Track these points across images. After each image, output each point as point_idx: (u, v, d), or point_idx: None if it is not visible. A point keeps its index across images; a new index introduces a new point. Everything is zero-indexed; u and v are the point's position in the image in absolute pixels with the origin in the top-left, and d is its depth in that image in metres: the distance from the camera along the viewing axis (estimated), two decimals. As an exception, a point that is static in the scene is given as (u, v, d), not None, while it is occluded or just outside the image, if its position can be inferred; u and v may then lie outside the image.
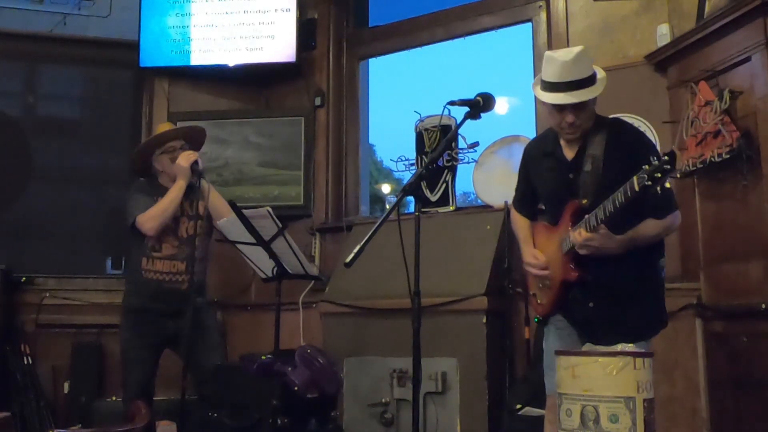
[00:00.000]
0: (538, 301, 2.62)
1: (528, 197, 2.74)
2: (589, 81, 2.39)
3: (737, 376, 3.21)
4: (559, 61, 2.38)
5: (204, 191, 3.38)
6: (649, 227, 2.41)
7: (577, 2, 4.08)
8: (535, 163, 2.67)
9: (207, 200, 3.39)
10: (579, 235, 2.36)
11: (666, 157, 2.07)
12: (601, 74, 2.46)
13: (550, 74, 2.41)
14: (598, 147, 2.44)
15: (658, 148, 3.58)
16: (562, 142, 2.55)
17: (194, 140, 3.58)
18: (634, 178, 2.13)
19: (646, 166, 2.10)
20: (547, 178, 2.60)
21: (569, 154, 2.52)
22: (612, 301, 2.43)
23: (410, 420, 2.39)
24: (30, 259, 4.81)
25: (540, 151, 2.65)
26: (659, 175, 2.07)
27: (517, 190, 2.80)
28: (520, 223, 2.77)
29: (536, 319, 2.70)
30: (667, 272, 3.52)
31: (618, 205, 2.22)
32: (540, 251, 2.61)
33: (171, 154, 3.45)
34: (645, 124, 3.61)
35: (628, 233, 2.38)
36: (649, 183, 2.08)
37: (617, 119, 2.54)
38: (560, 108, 2.42)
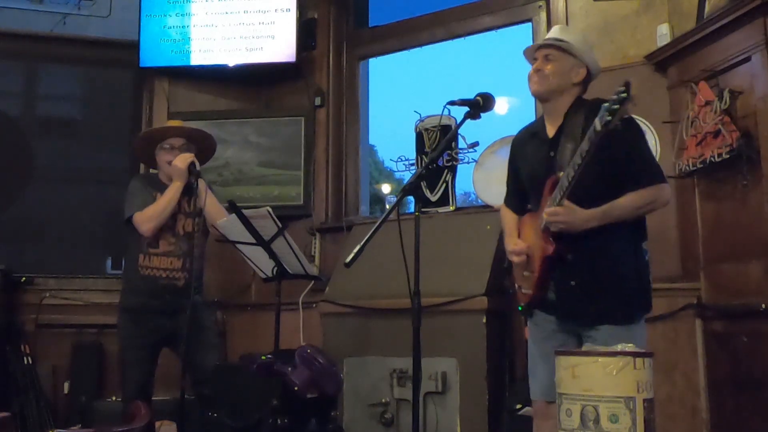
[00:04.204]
0: (523, 291, 2.59)
1: (517, 193, 2.72)
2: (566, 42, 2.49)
3: (737, 376, 3.21)
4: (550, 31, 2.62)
5: (200, 193, 3.37)
6: (626, 199, 2.36)
7: (577, 2, 4.08)
8: (521, 147, 2.68)
9: (203, 201, 3.38)
10: (546, 211, 2.35)
11: (622, 87, 2.07)
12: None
13: None
14: (576, 123, 2.43)
15: (658, 148, 3.60)
16: (546, 123, 2.55)
17: (200, 144, 3.56)
18: (596, 120, 2.13)
19: (605, 104, 2.11)
20: (531, 159, 2.59)
21: (550, 131, 2.53)
22: (593, 279, 2.39)
23: (410, 420, 2.39)
24: (30, 259, 4.82)
25: (527, 134, 2.67)
26: (617, 106, 2.06)
27: (507, 185, 2.79)
28: (507, 217, 2.75)
29: (519, 308, 2.64)
30: (667, 272, 3.56)
31: (581, 160, 2.19)
32: (524, 239, 2.57)
33: (169, 152, 3.45)
34: (645, 124, 3.59)
35: (602, 206, 2.34)
36: (609, 117, 2.07)
37: (597, 99, 2.53)
38: (532, 57, 2.56)
